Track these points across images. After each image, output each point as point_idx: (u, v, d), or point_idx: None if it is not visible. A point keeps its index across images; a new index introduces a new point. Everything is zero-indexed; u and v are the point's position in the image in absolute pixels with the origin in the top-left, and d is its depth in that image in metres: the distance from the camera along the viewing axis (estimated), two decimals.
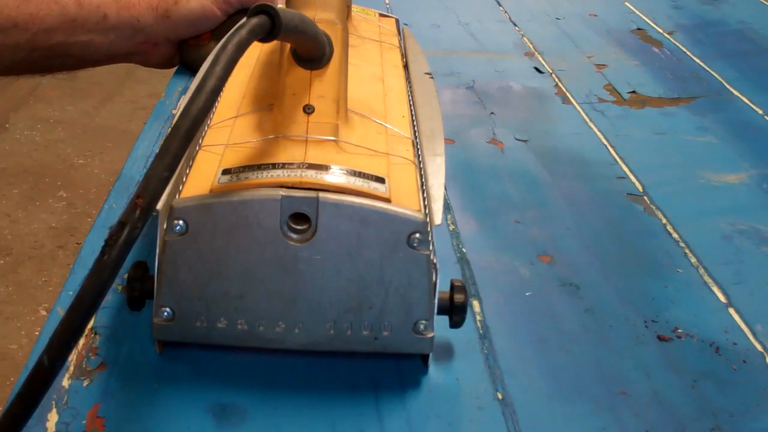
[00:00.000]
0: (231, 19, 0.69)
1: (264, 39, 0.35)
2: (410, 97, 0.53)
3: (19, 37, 0.60)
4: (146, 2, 0.66)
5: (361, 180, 0.38)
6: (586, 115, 0.71)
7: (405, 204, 0.38)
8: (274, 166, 0.38)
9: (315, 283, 0.38)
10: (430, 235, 0.38)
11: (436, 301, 0.39)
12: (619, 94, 0.76)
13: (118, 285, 0.46)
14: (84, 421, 0.37)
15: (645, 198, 0.59)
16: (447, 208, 0.56)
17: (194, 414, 0.38)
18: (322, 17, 0.43)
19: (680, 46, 0.88)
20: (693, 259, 0.52)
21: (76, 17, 0.62)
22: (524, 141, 0.66)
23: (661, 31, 0.93)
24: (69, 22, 0.62)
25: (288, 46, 0.42)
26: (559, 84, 0.77)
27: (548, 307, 0.47)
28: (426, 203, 0.40)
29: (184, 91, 0.69)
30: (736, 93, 0.77)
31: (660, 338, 0.45)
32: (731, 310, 0.48)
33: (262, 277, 0.38)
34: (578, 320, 0.46)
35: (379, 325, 0.39)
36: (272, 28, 0.35)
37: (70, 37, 0.63)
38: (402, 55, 0.59)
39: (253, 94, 0.48)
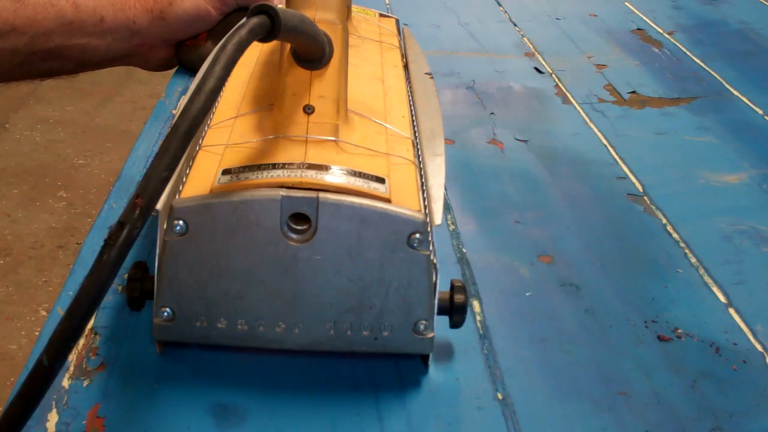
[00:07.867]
0: (227, 18, 0.69)
1: (264, 39, 0.35)
2: (410, 97, 0.53)
3: (18, 41, 0.60)
4: (141, 4, 0.66)
5: (361, 180, 0.38)
6: (586, 115, 0.71)
7: (405, 204, 0.38)
8: (274, 166, 0.38)
9: (315, 283, 0.38)
10: (430, 235, 0.38)
11: (436, 301, 0.39)
12: (619, 94, 0.76)
13: (118, 285, 0.46)
14: (84, 421, 0.37)
15: (645, 198, 0.59)
16: (447, 208, 0.56)
17: (194, 414, 0.38)
18: (322, 17, 0.43)
19: (680, 46, 0.88)
20: (693, 259, 0.52)
21: (73, 20, 0.62)
22: (524, 141, 0.66)
23: (661, 31, 0.93)
24: (66, 24, 0.62)
25: (288, 46, 0.42)
26: (559, 84, 0.77)
27: (548, 307, 0.47)
28: (426, 203, 0.40)
29: (184, 91, 0.69)
30: (736, 93, 0.77)
31: (660, 338, 0.45)
32: (731, 310, 0.48)
33: (262, 277, 0.38)
34: (578, 320, 0.46)
35: (379, 325, 0.39)
36: (272, 28, 0.35)
37: (67, 40, 0.63)
38: (402, 55, 0.59)
39: (253, 94, 0.48)
